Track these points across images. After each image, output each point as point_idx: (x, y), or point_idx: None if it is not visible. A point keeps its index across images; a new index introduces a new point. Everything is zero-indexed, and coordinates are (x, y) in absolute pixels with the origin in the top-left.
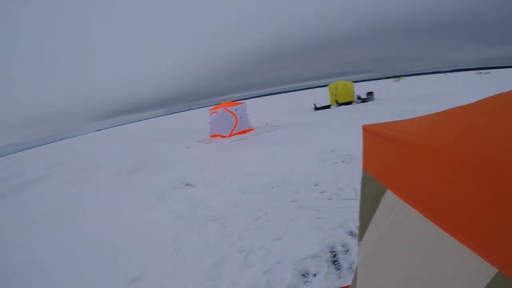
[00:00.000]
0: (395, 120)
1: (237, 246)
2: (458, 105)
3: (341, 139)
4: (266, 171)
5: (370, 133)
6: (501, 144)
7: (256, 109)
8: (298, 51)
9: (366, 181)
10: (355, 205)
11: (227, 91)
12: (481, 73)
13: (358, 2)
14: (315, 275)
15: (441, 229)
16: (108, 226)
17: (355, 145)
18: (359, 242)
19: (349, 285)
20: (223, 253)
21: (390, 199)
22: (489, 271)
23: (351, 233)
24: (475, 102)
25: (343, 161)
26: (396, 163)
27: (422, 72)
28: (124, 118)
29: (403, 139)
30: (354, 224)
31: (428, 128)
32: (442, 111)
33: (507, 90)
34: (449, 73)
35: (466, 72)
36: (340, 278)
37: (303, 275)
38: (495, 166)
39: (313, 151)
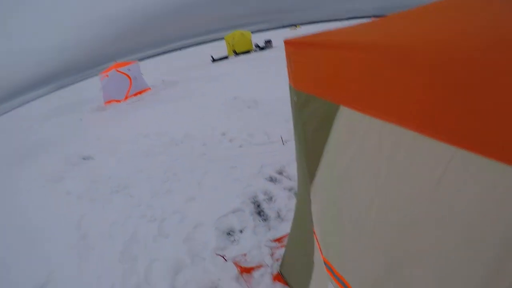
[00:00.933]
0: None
1: (148, 216)
2: None
3: (243, 86)
4: (167, 129)
5: (296, 45)
6: (477, 38)
7: (152, 68)
8: (192, 5)
9: (302, 103)
10: (270, 149)
11: (120, 54)
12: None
13: None
14: (241, 231)
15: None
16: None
17: (258, 91)
18: (307, 187)
19: (285, 235)
20: (134, 228)
21: (348, 117)
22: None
23: (271, 179)
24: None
25: (248, 107)
26: (345, 71)
27: (319, 20)
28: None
29: (344, 41)
30: (272, 168)
31: (381, 31)
32: (371, 21)
33: None
34: (346, 21)
35: (362, 19)
36: (269, 230)
37: (228, 233)
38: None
39: (215, 101)
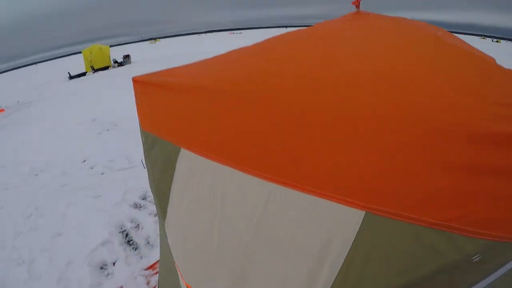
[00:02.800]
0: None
1: (15, 259)
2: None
3: (101, 106)
4: (25, 157)
5: (144, 85)
6: (287, 79)
7: (5, 86)
8: (48, 16)
9: (150, 144)
10: (132, 174)
11: None
12: (234, 33)
13: None
14: (114, 263)
15: (276, 184)
16: None
17: (117, 111)
18: (162, 222)
19: (157, 262)
20: (2, 274)
21: (188, 159)
22: (358, 215)
23: (136, 205)
24: (256, 44)
25: (107, 130)
26: (187, 114)
27: (177, 34)
28: None
29: (186, 84)
30: (136, 194)
31: (209, 70)
32: (217, 56)
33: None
34: (204, 34)
35: (220, 32)
36: (141, 258)
37: (101, 268)
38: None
39: (73, 124)
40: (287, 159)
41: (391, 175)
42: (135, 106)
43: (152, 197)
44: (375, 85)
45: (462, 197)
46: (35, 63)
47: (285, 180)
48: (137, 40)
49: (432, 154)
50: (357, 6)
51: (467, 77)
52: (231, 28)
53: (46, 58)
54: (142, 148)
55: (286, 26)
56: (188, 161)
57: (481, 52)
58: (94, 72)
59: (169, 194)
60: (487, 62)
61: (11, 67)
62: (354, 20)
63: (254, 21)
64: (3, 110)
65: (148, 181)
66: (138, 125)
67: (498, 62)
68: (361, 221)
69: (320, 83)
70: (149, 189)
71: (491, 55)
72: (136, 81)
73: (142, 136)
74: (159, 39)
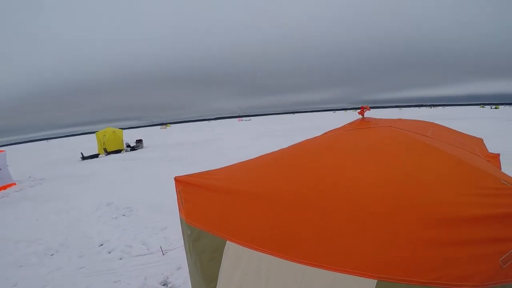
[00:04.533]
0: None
1: None
2: (223, 150)
3: (116, 190)
4: (38, 235)
5: (185, 184)
6: (310, 183)
7: (17, 159)
8: (62, 93)
9: (195, 237)
10: (150, 260)
11: None
12: (242, 120)
13: (123, 48)
14: None
15: (307, 266)
16: None
17: (133, 196)
18: None
19: None
20: None
21: (233, 250)
22: (371, 283)
23: None
24: (276, 151)
25: (123, 215)
26: (228, 211)
27: (188, 119)
28: None
29: (225, 187)
30: (156, 280)
31: (241, 176)
32: (250, 160)
33: (263, 133)
34: (213, 121)
35: (229, 119)
36: None
37: None
38: (314, 201)
39: (88, 206)
40: (313, 246)
41: (391, 252)
42: (176, 202)
43: (172, 284)
44: (375, 188)
45: (445, 262)
46: (47, 138)
47: (314, 262)
48: (148, 124)
49: (420, 234)
50: (362, 114)
51: (446, 174)
52: (240, 115)
53: (58, 135)
54: (184, 240)
55: (293, 112)
56: (234, 251)
57: (469, 137)
58: (106, 155)
59: (217, 278)
60: (468, 152)
61: (22, 140)
62: (359, 130)
63: (262, 108)
64: (15, 184)
65: (167, 265)
66: (180, 219)
67: (497, 126)
68: (375, 286)
69: (333, 187)
70: (169, 275)
71: (490, 121)
72: (178, 180)
73: (187, 229)
74: (170, 125)
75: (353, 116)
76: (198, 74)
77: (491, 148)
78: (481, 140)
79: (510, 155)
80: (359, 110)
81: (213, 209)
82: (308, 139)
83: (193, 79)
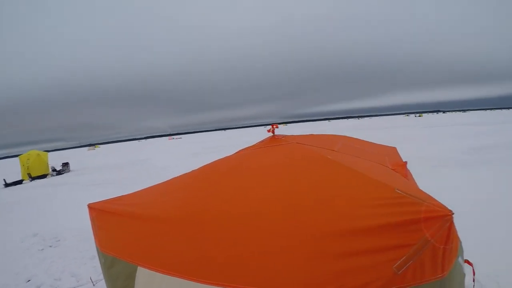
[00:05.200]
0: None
1: None
2: (153, 170)
3: (43, 219)
4: None
5: (99, 211)
6: (217, 205)
7: None
8: None
9: (109, 264)
10: None
11: None
12: (173, 138)
13: (46, 66)
14: None
15: (217, 287)
16: None
17: (60, 224)
18: None
19: None
20: None
21: (145, 275)
22: None
23: None
24: (190, 172)
25: (50, 246)
26: (140, 237)
27: (117, 139)
28: None
29: (137, 213)
30: None
31: (152, 200)
32: (165, 182)
33: (201, 152)
34: (144, 140)
35: (160, 138)
36: None
37: None
38: (216, 222)
39: (13, 238)
40: (221, 267)
41: (291, 267)
42: (91, 229)
43: None
44: (276, 207)
45: (342, 273)
46: None
47: (222, 282)
48: (75, 145)
49: (319, 248)
50: (273, 132)
51: (344, 187)
52: (171, 133)
53: None
54: (101, 267)
55: (225, 129)
56: (145, 277)
57: (382, 147)
58: (31, 180)
59: None
60: (375, 163)
61: None
62: (269, 147)
63: (193, 125)
64: None
65: None
66: (96, 247)
67: (419, 132)
68: None
69: (237, 207)
70: None
71: (413, 129)
72: (92, 207)
73: (101, 257)
74: (98, 146)
75: (282, 130)
76: (127, 93)
77: (413, 153)
78: (395, 149)
79: (432, 159)
80: (269, 128)
81: (126, 235)
82: (220, 159)
83: (123, 98)
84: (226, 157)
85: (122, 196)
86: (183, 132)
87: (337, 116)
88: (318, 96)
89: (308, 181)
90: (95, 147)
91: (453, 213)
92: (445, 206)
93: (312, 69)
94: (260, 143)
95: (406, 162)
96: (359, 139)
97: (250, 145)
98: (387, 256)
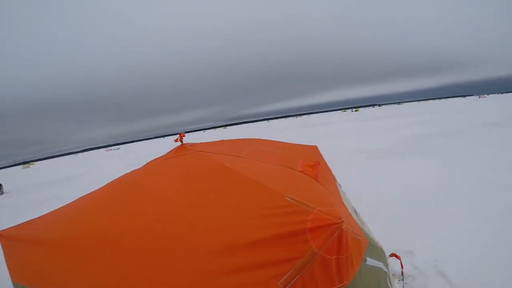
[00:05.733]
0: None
1: None
2: (91, 184)
3: None
4: None
5: (9, 239)
6: (124, 224)
7: None
8: None
9: None
10: None
11: None
12: (111, 149)
13: None
14: None
15: None
16: None
17: None
18: None
19: None
20: None
21: None
22: None
23: None
24: (101, 188)
25: None
26: (45, 262)
27: (53, 154)
28: None
29: (43, 238)
30: None
31: (62, 221)
32: (74, 201)
33: (132, 165)
34: (81, 153)
35: (97, 150)
36: None
37: None
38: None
39: None
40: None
41: (180, 285)
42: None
43: None
44: (170, 222)
45: None
46: None
47: None
48: (9, 164)
49: (206, 264)
50: (181, 141)
51: (237, 197)
52: (108, 144)
53: None
54: None
55: (163, 136)
56: None
57: (300, 147)
58: None
59: None
60: (283, 166)
61: None
62: (175, 158)
63: (131, 134)
64: None
65: None
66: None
67: (356, 126)
68: None
69: (134, 224)
70: None
71: (348, 123)
72: (2, 235)
73: (14, 287)
74: (33, 163)
75: (222, 134)
76: (61, 103)
77: (348, 147)
78: (315, 147)
79: (366, 151)
80: (176, 138)
81: (33, 262)
82: (127, 174)
83: (56, 109)
84: (133, 170)
85: (35, 219)
86: (121, 142)
87: (277, 116)
88: (257, 97)
89: (204, 192)
90: (30, 164)
91: (342, 221)
92: (336, 213)
93: (250, 71)
94: (168, 153)
95: (318, 162)
96: (276, 141)
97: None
98: (274, 271)
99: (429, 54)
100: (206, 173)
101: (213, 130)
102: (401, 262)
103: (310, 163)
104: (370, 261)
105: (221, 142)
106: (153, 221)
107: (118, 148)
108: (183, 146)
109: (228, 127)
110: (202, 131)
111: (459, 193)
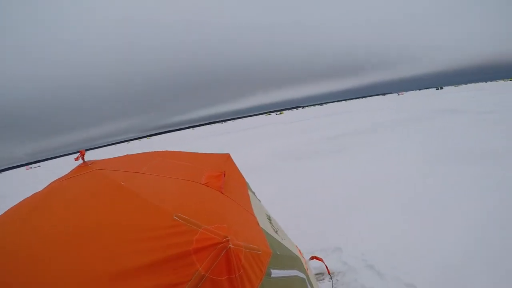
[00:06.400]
0: None
1: None
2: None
3: None
4: None
5: None
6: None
7: None
8: None
9: None
10: None
11: None
12: (31, 167)
13: None
14: None
15: None
16: None
17: None
18: None
19: None
20: None
21: None
22: None
23: None
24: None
25: None
26: None
27: None
28: None
29: None
30: None
31: None
32: None
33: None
34: (1, 173)
35: (16, 169)
36: None
37: None
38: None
39: None
40: None
41: None
42: None
43: None
44: (55, 252)
45: None
46: None
47: None
48: None
49: None
50: (82, 159)
51: (126, 220)
52: (28, 162)
53: None
54: None
55: (90, 149)
56: None
57: (210, 156)
58: None
59: None
60: (184, 179)
61: None
62: (74, 178)
63: (53, 150)
64: None
65: None
66: None
67: (279, 129)
68: None
69: (26, 256)
70: None
71: (274, 126)
72: None
73: None
74: None
75: (145, 144)
76: None
77: (270, 150)
78: (228, 155)
79: (287, 153)
80: (76, 156)
81: None
82: (26, 198)
83: None
84: (34, 194)
85: None
86: (42, 158)
87: (202, 123)
88: (181, 105)
89: (94, 214)
90: None
91: (228, 239)
92: (222, 230)
93: (172, 78)
94: (70, 172)
95: (223, 173)
96: (185, 152)
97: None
98: None
99: (351, 56)
100: (100, 193)
101: (137, 141)
102: (324, 263)
103: (215, 174)
104: (277, 273)
105: (124, 157)
106: (40, 248)
107: (39, 166)
108: (84, 164)
109: (152, 137)
110: (126, 143)
111: (379, 188)
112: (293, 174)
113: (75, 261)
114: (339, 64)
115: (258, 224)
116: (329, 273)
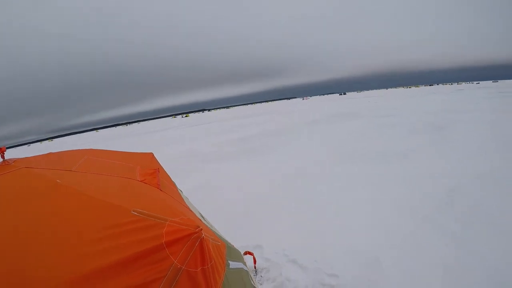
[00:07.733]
0: None
1: None
2: None
3: None
4: None
5: None
6: None
7: None
8: None
9: None
10: None
11: None
12: None
13: None
14: None
15: None
16: None
17: None
18: None
19: None
20: None
21: None
22: None
23: None
24: None
25: None
26: None
27: None
28: None
29: None
30: None
31: None
32: None
33: None
34: None
35: None
36: None
37: None
38: None
39: None
40: None
41: None
42: None
43: None
44: None
45: None
46: None
47: None
48: None
49: None
50: (2, 157)
51: (74, 219)
52: None
53: None
54: None
55: None
56: None
57: (135, 155)
58: None
59: None
60: (119, 177)
61: None
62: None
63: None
64: None
65: None
66: None
67: (186, 131)
68: None
69: None
70: None
71: (179, 130)
72: None
73: None
74: None
75: (50, 147)
76: None
77: (180, 152)
78: (151, 154)
79: (199, 155)
80: None
81: None
82: None
83: None
84: None
85: None
86: None
87: (106, 125)
88: (85, 106)
89: (35, 216)
90: None
91: (201, 229)
92: (192, 222)
93: (77, 78)
94: None
95: (157, 169)
96: (109, 151)
97: None
98: None
99: (256, 61)
100: (34, 193)
101: (38, 143)
102: (254, 258)
103: (149, 171)
104: (233, 264)
105: (49, 155)
106: None
107: None
108: (5, 163)
109: (55, 139)
110: (26, 145)
111: (291, 185)
112: (208, 175)
113: (22, 271)
114: (246, 68)
115: (201, 220)
116: (255, 268)
